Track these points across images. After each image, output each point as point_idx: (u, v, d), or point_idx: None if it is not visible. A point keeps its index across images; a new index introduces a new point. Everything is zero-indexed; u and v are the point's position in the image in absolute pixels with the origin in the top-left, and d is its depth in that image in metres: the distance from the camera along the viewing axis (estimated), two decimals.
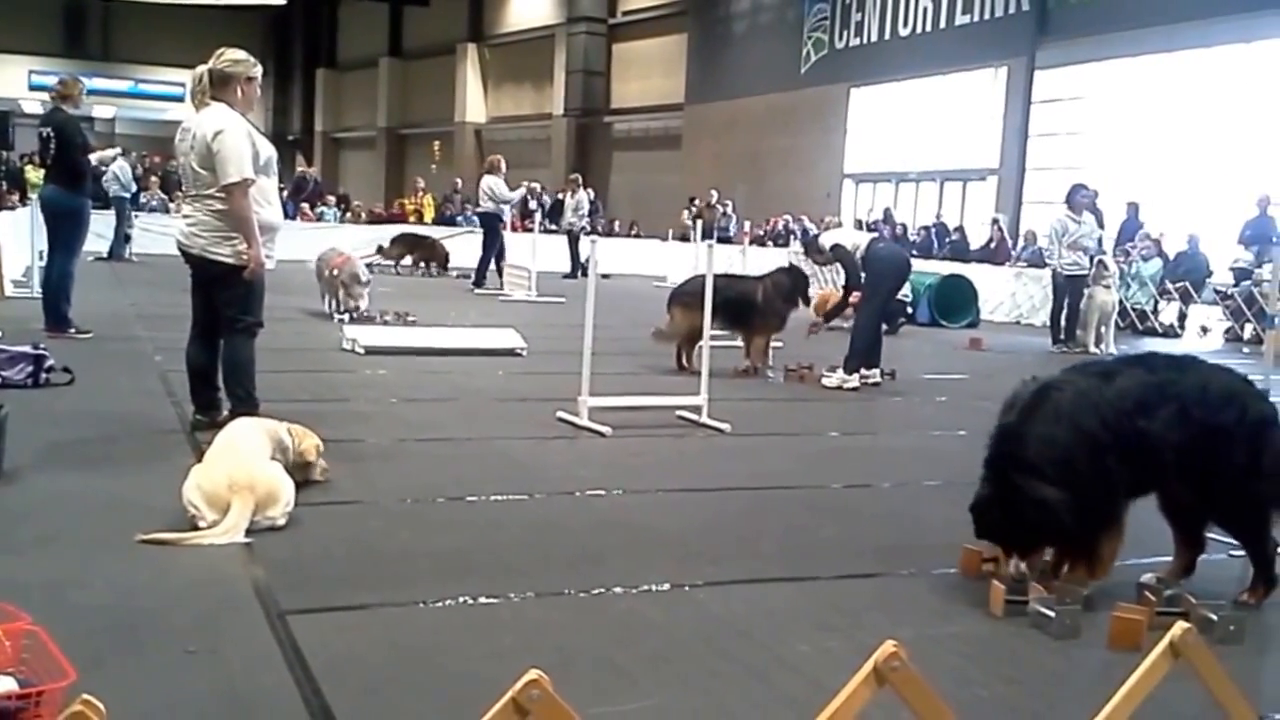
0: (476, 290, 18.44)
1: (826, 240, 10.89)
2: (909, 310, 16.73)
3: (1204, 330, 18.60)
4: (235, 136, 6.26)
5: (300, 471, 5.43)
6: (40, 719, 2.89)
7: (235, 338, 6.56)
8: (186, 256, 6.56)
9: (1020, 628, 4.15)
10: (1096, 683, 3.41)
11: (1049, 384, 4.47)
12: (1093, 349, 14.48)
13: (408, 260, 22.15)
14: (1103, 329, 14.85)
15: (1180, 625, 2.37)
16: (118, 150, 15.48)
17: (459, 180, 32.53)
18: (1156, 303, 19.10)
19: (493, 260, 19.03)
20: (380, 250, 22.18)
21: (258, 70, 6.60)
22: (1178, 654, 2.34)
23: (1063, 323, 14.98)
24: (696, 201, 28.79)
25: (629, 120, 39.13)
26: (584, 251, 21.01)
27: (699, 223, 24.40)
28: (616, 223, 32.22)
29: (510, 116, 44.13)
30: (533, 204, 24.76)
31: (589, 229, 22.66)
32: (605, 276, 17.65)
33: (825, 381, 10.12)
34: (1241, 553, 5.32)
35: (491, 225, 19.17)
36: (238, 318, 6.53)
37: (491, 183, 18.96)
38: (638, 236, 29.86)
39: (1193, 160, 20.98)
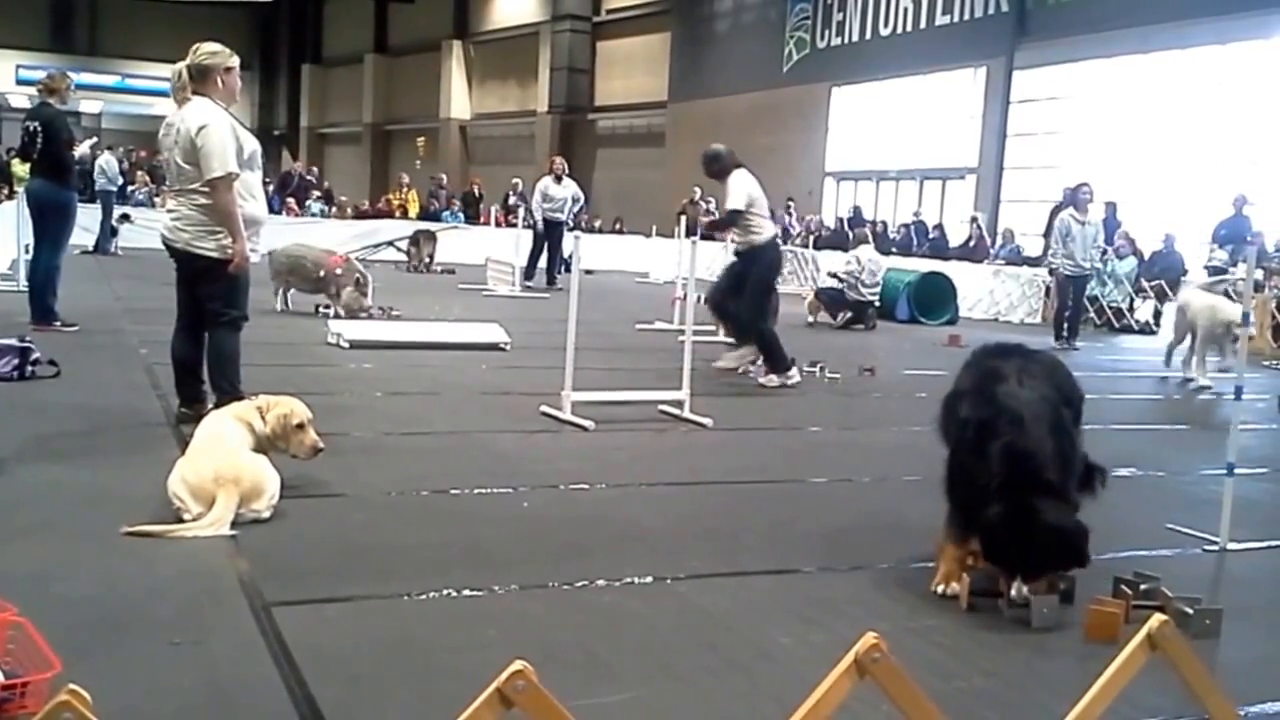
0: (548, 287, 18.68)
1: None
2: (876, 305, 16.66)
3: None
4: (219, 131, 6.25)
5: (279, 446, 5.31)
6: (26, 709, 2.90)
7: (220, 331, 6.56)
8: (171, 251, 6.56)
9: (998, 621, 4.19)
10: (1074, 675, 3.45)
11: (1019, 393, 4.34)
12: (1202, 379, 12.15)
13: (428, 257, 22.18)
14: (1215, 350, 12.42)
15: (1157, 618, 2.39)
16: (92, 140, 15.42)
17: (443, 176, 32.47)
18: (1132, 300, 19.21)
19: (559, 260, 19.47)
20: (402, 248, 22.21)
21: (235, 60, 6.58)
22: (1154, 646, 2.35)
23: (1065, 322, 14.93)
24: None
25: (613, 118, 39.14)
26: (568, 247, 21.04)
27: (683, 219, 24.42)
28: (600, 220, 32.20)
29: (495, 113, 44.08)
30: (514, 200, 25.04)
31: (573, 225, 22.68)
32: (589, 272, 17.67)
33: (763, 381, 9.86)
34: (1215, 547, 5.41)
35: (552, 226, 19.49)
36: (222, 311, 6.53)
37: (550, 186, 19.37)
38: (621, 233, 29.86)
39: (1169, 160, 21.14)
